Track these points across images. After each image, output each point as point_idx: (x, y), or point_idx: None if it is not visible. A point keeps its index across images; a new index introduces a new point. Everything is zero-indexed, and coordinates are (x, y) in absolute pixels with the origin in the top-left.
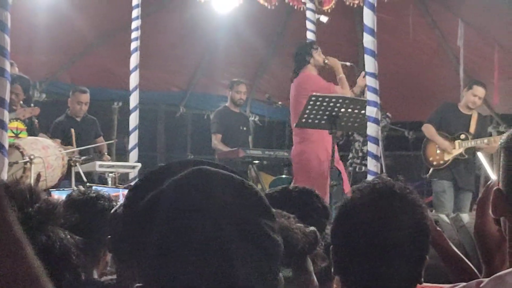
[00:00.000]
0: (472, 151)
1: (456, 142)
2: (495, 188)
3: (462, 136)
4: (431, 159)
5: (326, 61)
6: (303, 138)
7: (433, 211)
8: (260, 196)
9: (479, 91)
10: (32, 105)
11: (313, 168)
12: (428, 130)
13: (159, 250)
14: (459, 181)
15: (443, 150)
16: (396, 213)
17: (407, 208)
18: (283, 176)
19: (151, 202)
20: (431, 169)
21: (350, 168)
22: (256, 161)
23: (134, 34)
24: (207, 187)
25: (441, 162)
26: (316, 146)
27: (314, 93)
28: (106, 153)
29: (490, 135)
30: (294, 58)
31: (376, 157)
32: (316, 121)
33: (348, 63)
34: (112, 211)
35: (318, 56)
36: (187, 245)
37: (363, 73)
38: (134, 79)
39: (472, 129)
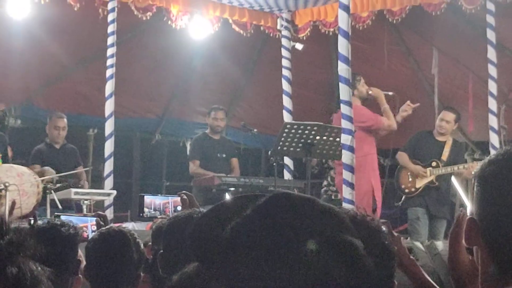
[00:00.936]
0: (444, 179)
1: (428, 169)
2: (468, 217)
3: (433, 164)
4: (403, 186)
5: (369, 92)
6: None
7: (408, 238)
8: (342, 216)
9: (447, 115)
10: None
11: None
12: (402, 157)
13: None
14: (431, 209)
15: (415, 176)
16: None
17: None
18: None
19: (238, 229)
20: (403, 197)
21: (325, 196)
22: (232, 189)
23: (109, 61)
24: (295, 209)
25: (413, 189)
26: (361, 177)
27: (288, 121)
28: (83, 185)
29: (466, 162)
30: (338, 90)
31: (351, 185)
32: (292, 149)
33: (390, 93)
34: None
35: (361, 87)
36: (286, 267)
37: (408, 101)
38: (109, 106)
39: (445, 156)
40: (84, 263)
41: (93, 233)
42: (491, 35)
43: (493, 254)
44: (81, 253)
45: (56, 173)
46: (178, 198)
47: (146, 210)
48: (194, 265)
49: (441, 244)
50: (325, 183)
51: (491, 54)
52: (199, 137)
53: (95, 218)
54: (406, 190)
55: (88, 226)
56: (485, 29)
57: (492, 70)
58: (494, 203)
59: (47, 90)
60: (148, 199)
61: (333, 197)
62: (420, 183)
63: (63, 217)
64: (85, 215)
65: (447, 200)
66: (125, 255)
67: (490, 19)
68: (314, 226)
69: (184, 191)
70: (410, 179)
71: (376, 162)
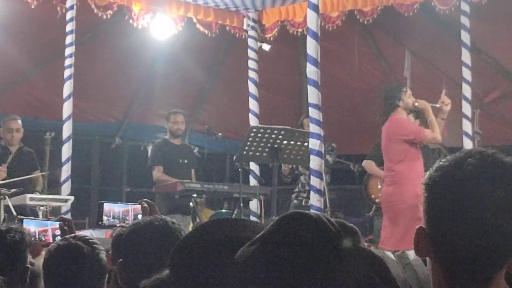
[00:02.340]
0: None
1: None
2: (417, 227)
3: None
4: (373, 196)
5: (416, 104)
6: (392, 181)
7: (372, 248)
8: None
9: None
10: None
11: (399, 212)
12: (369, 165)
13: None
14: None
15: None
16: None
17: None
18: (223, 210)
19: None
20: (373, 207)
21: (296, 202)
22: (195, 195)
23: (67, 61)
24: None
25: None
26: (405, 189)
27: (254, 125)
28: (40, 190)
29: None
30: (383, 102)
31: (319, 192)
32: (258, 154)
33: (437, 105)
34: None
35: (407, 99)
36: None
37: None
38: (67, 109)
39: None
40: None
41: (56, 237)
42: (465, 37)
43: (442, 264)
44: None
45: (11, 177)
46: (139, 206)
47: (105, 218)
48: (167, 273)
49: (412, 254)
50: (296, 189)
51: (466, 56)
52: (160, 143)
53: (57, 223)
54: (377, 200)
55: (48, 230)
56: (459, 31)
57: (467, 73)
58: (440, 211)
59: (2, 94)
60: (107, 206)
61: (303, 203)
62: None
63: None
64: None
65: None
66: (80, 269)
67: (465, 21)
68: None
69: (145, 199)
70: (379, 188)
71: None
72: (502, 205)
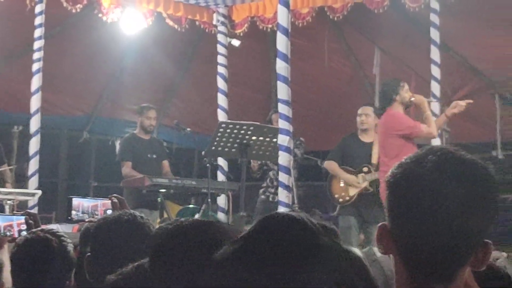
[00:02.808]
0: (378, 182)
1: (360, 176)
2: (380, 224)
3: (365, 169)
4: (336, 196)
5: (412, 99)
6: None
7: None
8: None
9: (365, 109)
10: None
11: None
12: (331, 166)
13: None
14: (365, 215)
15: (350, 185)
16: None
17: None
18: (191, 206)
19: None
20: (338, 206)
21: (263, 197)
22: (163, 190)
23: (36, 55)
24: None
25: (347, 198)
26: None
27: (223, 120)
28: (10, 182)
29: None
30: (380, 95)
31: (287, 188)
32: (226, 149)
33: (434, 100)
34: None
35: (404, 93)
36: None
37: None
38: (35, 102)
39: (374, 159)
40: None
41: (22, 232)
42: (435, 34)
43: (404, 261)
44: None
45: None
46: (109, 201)
47: (74, 212)
48: (133, 266)
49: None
50: (264, 184)
51: (435, 54)
52: (128, 138)
53: (23, 217)
54: (340, 200)
55: (13, 224)
56: (428, 28)
57: (435, 71)
58: (401, 208)
59: None
60: (76, 201)
61: (270, 198)
62: (353, 191)
63: None
64: (14, 214)
65: (382, 204)
66: (49, 262)
67: (434, 18)
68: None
69: (115, 194)
70: (343, 188)
71: None
72: (462, 202)
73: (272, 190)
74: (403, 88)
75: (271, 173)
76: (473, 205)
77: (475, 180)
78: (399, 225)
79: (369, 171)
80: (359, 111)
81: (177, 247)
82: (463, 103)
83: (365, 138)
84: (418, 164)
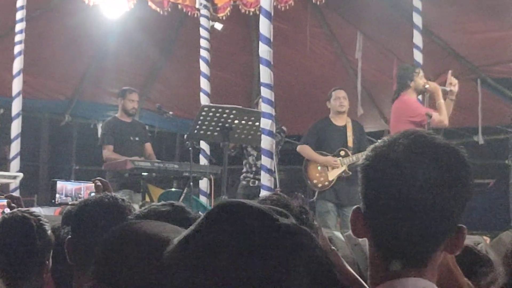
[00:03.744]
0: (356, 166)
1: (338, 159)
2: (354, 207)
3: (342, 153)
4: (315, 181)
5: (426, 86)
6: None
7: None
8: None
9: (340, 93)
10: None
11: None
12: (305, 151)
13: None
14: (342, 199)
15: (328, 167)
16: None
17: None
18: (173, 189)
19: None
20: (316, 192)
21: (244, 182)
22: (145, 173)
23: (18, 37)
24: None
25: (326, 183)
26: None
27: (205, 104)
28: None
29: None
30: (396, 80)
31: (270, 171)
32: (209, 133)
33: (448, 88)
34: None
35: (419, 80)
36: None
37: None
38: (17, 85)
39: (350, 142)
40: None
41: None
42: (417, 19)
43: (378, 245)
44: None
45: None
46: (92, 184)
47: (57, 196)
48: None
49: None
50: (244, 169)
51: (417, 39)
52: (110, 121)
53: (5, 200)
54: (320, 185)
55: None
56: (411, 13)
57: (418, 56)
58: (374, 191)
59: None
60: (59, 184)
61: (250, 183)
62: (332, 175)
63: None
64: None
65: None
66: (27, 243)
67: (417, 3)
68: None
69: (98, 178)
70: (321, 172)
71: None
72: (434, 186)
73: (251, 176)
74: (418, 75)
75: (250, 159)
76: (445, 189)
77: (447, 164)
78: (372, 209)
79: (346, 155)
80: (337, 94)
81: (124, 253)
82: (454, 81)
83: (338, 122)
84: (390, 147)
